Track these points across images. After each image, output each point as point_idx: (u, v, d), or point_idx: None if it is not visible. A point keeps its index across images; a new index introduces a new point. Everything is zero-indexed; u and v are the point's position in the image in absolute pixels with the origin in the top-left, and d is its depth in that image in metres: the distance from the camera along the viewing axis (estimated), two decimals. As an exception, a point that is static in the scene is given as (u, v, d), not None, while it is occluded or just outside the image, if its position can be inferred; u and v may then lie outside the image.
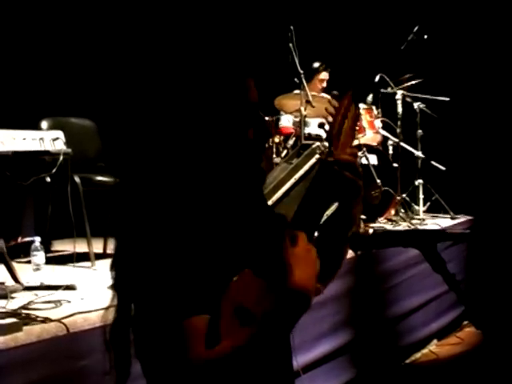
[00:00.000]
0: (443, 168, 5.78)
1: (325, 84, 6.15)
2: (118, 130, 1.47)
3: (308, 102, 5.16)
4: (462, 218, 5.83)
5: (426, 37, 5.77)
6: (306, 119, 5.46)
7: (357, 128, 1.56)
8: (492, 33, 6.56)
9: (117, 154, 1.47)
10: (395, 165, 5.56)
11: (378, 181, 5.05)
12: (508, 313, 4.16)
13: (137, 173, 1.38)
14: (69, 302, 2.86)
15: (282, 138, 5.74)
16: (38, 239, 3.57)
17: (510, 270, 5.39)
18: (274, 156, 5.55)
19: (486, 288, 4.94)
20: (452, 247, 5.00)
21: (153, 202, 1.32)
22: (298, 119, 5.49)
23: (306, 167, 4.14)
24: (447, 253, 4.90)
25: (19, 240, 4.08)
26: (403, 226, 5.18)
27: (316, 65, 6.01)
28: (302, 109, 5.12)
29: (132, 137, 1.43)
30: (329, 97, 6.05)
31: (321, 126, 1.50)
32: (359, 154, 1.52)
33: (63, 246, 4.41)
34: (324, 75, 6.11)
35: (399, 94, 5.70)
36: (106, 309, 1.40)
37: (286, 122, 5.96)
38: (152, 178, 1.35)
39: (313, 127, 5.87)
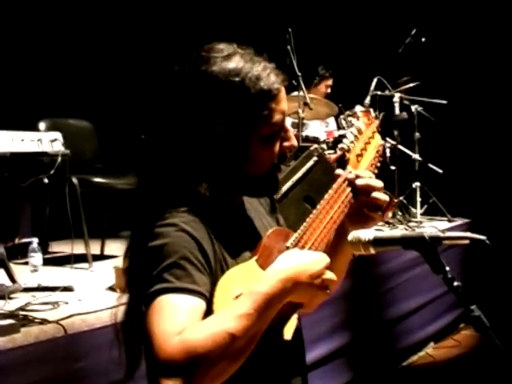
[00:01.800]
0: (440, 171, 5.79)
1: (329, 90, 6.15)
2: (143, 140, 1.47)
3: (306, 104, 5.16)
4: (459, 221, 5.84)
5: (423, 40, 5.79)
6: (304, 121, 5.46)
7: (379, 159, 1.64)
8: (489, 36, 6.58)
9: (138, 160, 1.46)
10: (392, 167, 5.56)
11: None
12: (505, 316, 4.16)
13: (156, 180, 1.38)
14: (66, 303, 2.86)
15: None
16: (35, 240, 3.58)
17: (507, 273, 5.40)
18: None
19: (483, 291, 4.94)
20: (449, 250, 5.00)
21: (167, 205, 1.32)
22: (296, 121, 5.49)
23: (304, 169, 4.13)
24: (444, 256, 4.90)
25: (16, 241, 4.07)
26: (400, 228, 5.18)
27: (324, 71, 6.01)
28: (300, 111, 5.12)
29: (154, 147, 1.43)
30: (325, 99, 6.04)
31: (342, 136, 1.57)
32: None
33: (61, 248, 4.41)
34: (331, 81, 6.12)
35: (397, 96, 5.70)
36: (115, 307, 1.41)
37: (288, 124, 5.96)
38: (171, 184, 1.36)
39: (311, 129, 5.87)
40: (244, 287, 1.25)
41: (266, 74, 1.36)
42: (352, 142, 1.57)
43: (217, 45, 1.40)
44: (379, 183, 1.50)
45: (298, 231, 1.39)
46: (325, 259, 1.30)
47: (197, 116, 1.35)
